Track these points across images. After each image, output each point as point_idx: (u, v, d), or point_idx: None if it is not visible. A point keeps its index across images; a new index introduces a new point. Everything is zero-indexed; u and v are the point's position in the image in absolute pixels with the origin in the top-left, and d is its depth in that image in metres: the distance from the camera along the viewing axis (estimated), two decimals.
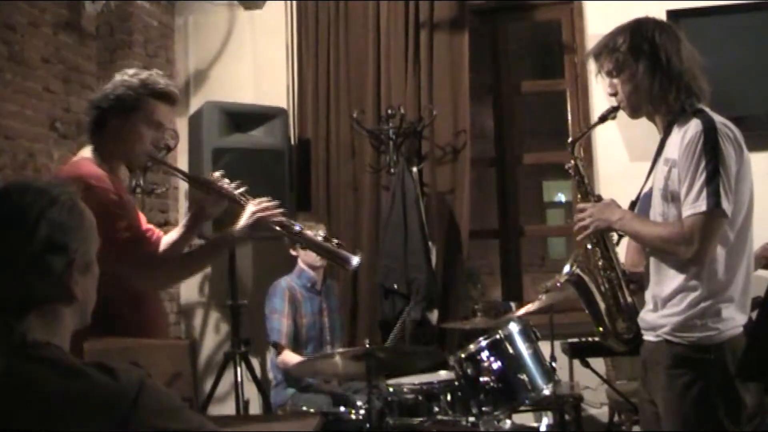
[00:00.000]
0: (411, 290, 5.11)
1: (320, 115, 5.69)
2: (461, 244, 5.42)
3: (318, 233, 3.22)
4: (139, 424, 1.48)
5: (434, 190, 5.48)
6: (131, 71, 3.06)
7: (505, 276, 5.85)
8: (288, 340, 4.78)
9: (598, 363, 4.84)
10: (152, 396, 1.52)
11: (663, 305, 2.70)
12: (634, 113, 2.83)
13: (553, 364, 3.97)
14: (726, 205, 2.55)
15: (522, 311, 4.26)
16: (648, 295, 2.80)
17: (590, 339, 4.50)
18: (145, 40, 5.74)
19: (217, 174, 3.16)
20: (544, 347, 3.99)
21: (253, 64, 5.94)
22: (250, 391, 5.00)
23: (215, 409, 5.11)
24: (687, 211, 2.59)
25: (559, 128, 5.87)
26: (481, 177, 6.86)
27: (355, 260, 3.13)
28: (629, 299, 2.89)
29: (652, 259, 2.79)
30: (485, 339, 3.76)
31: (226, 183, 3.12)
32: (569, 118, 5.70)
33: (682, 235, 2.59)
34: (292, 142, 5.69)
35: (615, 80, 2.81)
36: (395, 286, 5.13)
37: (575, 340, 4.57)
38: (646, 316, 2.79)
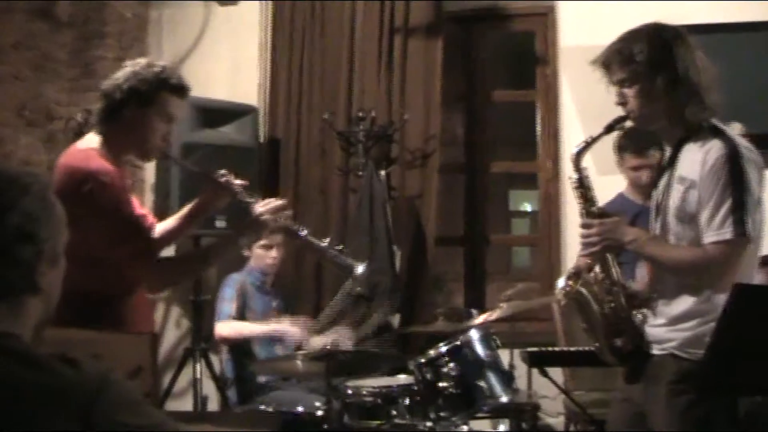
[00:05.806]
0: (374, 294, 5.12)
1: (291, 114, 5.68)
2: (427, 249, 5.43)
3: (323, 239, 3.19)
4: (102, 418, 1.48)
5: (402, 194, 5.49)
6: (143, 62, 3.01)
7: (469, 283, 5.88)
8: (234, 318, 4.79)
9: (557, 373, 4.88)
10: (115, 390, 1.51)
11: (673, 323, 2.65)
12: (645, 125, 2.75)
13: (512, 372, 4.00)
14: (751, 233, 2.52)
15: (482, 318, 4.28)
16: (655, 310, 2.74)
17: (549, 348, 4.54)
18: (119, 32, 5.70)
19: (223, 171, 3.14)
20: (504, 355, 4.02)
21: (227, 60, 5.91)
22: (209, 389, 4.98)
23: (173, 405, 5.07)
24: (711, 237, 2.53)
25: (528, 138, 5.91)
26: (449, 183, 6.88)
27: (360, 269, 3.13)
28: (628, 313, 2.77)
29: (660, 277, 2.74)
30: (445, 344, 3.78)
31: (234, 181, 3.12)
32: (538, 129, 5.75)
33: (706, 261, 2.55)
34: (262, 140, 5.69)
35: (626, 90, 2.67)
36: (358, 289, 5.13)
37: (534, 349, 4.61)
38: (652, 330, 2.72)
